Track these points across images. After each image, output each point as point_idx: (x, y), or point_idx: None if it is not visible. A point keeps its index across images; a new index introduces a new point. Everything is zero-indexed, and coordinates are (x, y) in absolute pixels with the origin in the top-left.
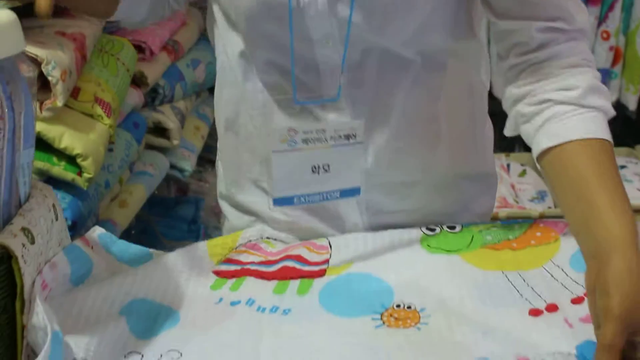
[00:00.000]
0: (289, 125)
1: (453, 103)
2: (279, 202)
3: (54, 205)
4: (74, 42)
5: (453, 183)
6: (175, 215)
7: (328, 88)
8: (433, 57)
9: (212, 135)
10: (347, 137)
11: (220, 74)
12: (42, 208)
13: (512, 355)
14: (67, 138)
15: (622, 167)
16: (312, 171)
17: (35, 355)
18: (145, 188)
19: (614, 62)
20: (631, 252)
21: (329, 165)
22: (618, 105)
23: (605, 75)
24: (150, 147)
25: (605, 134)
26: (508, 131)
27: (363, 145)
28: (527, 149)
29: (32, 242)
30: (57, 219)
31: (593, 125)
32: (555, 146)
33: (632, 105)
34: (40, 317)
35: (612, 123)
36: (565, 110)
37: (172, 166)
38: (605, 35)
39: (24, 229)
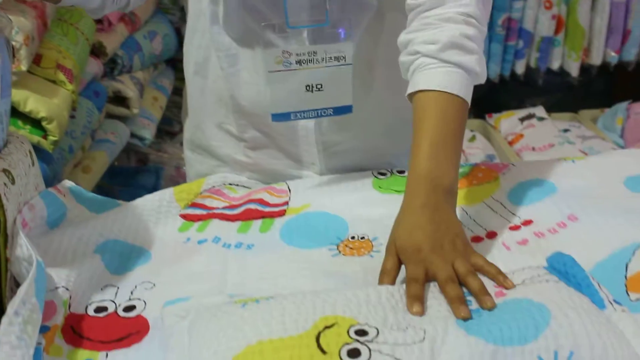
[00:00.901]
0: (283, 48)
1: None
2: (277, 117)
3: (30, 152)
4: (35, 9)
5: (401, 125)
6: (136, 184)
7: (317, 13)
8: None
9: (170, 107)
10: (337, 59)
11: (192, 21)
12: (19, 153)
13: None
14: (31, 102)
15: (566, 130)
16: (306, 90)
17: (19, 286)
18: (107, 155)
19: (557, 30)
20: (421, 202)
21: (321, 85)
22: (561, 72)
23: (549, 43)
24: (110, 116)
25: (455, 88)
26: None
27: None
28: (477, 115)
29: (13, 182)
30: (33, 165)
31: (444, 79)
32: (412, 94)
33: (574, 72)
34: (24, 249)
35: (557, 89)
36: (426, 63)
37: (133, 135)
38: (547, 4)
39: (4, 170)
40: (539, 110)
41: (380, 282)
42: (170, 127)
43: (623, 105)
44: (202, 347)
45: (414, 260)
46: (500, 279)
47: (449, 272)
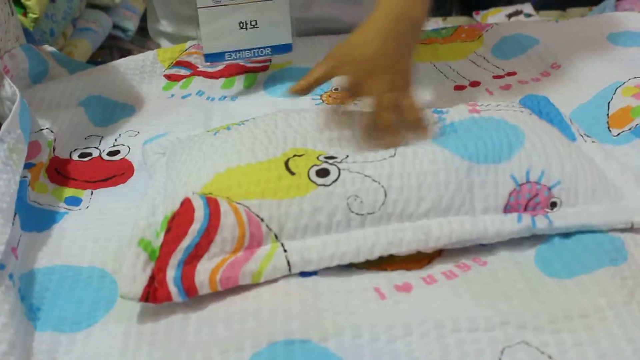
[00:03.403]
0: None
1: None
2: (210, 58)
3: (9, 0)
4: None
5: None
6: None
7: None
8: None
9: None
10: None
11: None
12: None
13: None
14: None
15: None
16: (240, 27)
17: None
18: (90, 43)
19: None
20: (382, 26)
21: (256, 21)
22: None
23: None
24: (92, 6)
25: None
26: None
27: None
28: (464, 12)
29: None
30: (12, 14)
31: None
32: None
33: None
34: (6, 88)
35: None
36: None
37: (115, 26)
38: None
39: None
40: (527, 7)
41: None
42: None
43: (611, 1)
44: (175, 179)
45: (358, 70)
46: (421, 125)
47: (388, 100)
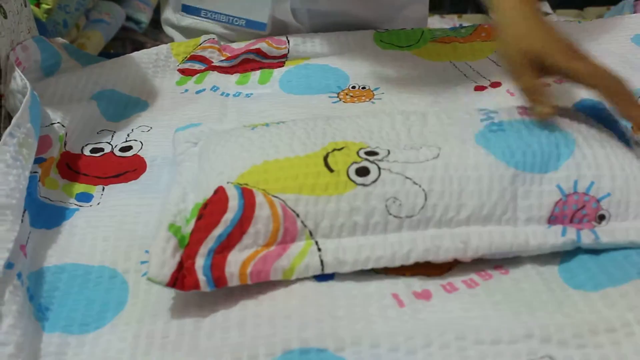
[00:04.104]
0: None
1: None
2: (186, 9)
3: None
4: None
5: None
6: None
7: None
8: None
9: None
10: None
11: None
12: None
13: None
14: None
15: None
16: None
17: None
18: (102, 35)
19: None
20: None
21: None
22: None
23: None
24: None
25: None
26: None
27: None
28: (479, 10)
29: (5, 16)
30: (25, 5)
31: None
32: None
33: None
34: (17, 80)
35: None
36: None
37: (129, 18)
38: None
39: None
40: (544, 6)
41: (535, 101)
42: None
43: (630, 0)
44: (209, 169)
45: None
46: None
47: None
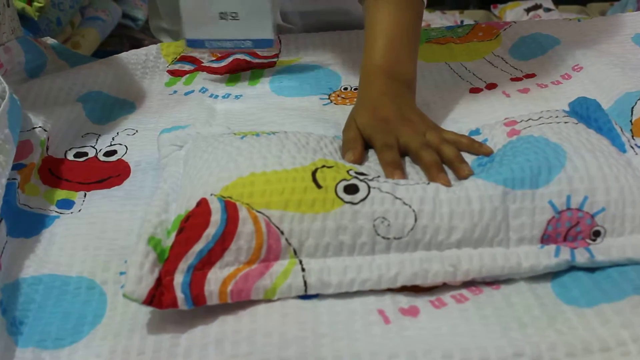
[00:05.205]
0: None
1: None
2: (191, 43)
3: None
4: None
5: None
6: None
7: None
8: None
9: None
10: None
11: None
12: None
13: (451, 121)
14: None
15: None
16: (221, 17)
17: None
18: (98, 32)
19: None
20: (379, 90)
21: (236, 13)
22: None
23: None
24: None
25: None
26: None
27: None
28: (481, 6)
29: None
30: (8, 5)
31: None
32: None
33: None
34: None
35: None
36: None
37: (125, 15)
38: None
39: None
40: (546, 1)
41: (345, 155)
42: None
43: None
44: (194, 177)
45: (383, 130)
46: (476, 146)
47: (422, 140)
